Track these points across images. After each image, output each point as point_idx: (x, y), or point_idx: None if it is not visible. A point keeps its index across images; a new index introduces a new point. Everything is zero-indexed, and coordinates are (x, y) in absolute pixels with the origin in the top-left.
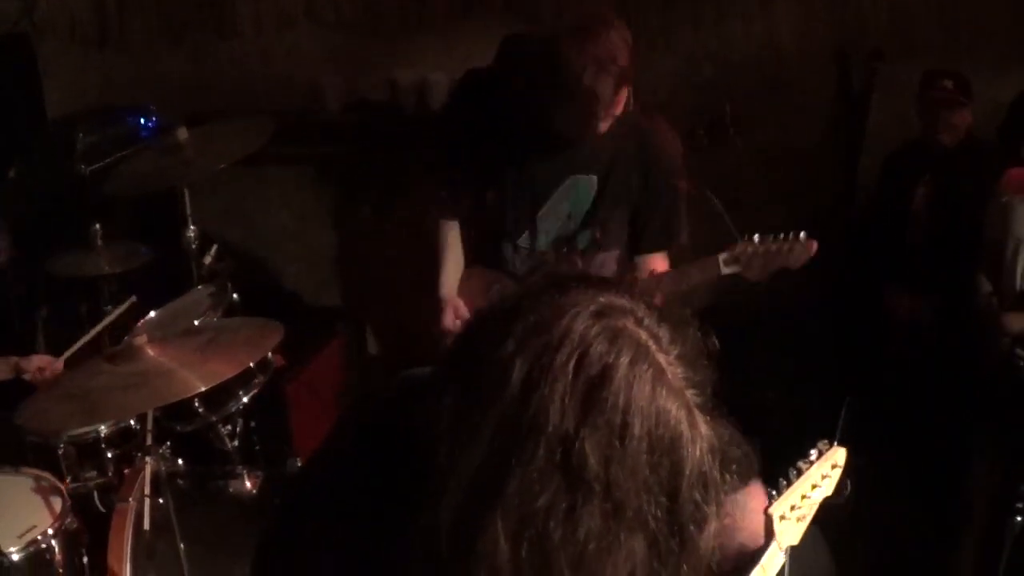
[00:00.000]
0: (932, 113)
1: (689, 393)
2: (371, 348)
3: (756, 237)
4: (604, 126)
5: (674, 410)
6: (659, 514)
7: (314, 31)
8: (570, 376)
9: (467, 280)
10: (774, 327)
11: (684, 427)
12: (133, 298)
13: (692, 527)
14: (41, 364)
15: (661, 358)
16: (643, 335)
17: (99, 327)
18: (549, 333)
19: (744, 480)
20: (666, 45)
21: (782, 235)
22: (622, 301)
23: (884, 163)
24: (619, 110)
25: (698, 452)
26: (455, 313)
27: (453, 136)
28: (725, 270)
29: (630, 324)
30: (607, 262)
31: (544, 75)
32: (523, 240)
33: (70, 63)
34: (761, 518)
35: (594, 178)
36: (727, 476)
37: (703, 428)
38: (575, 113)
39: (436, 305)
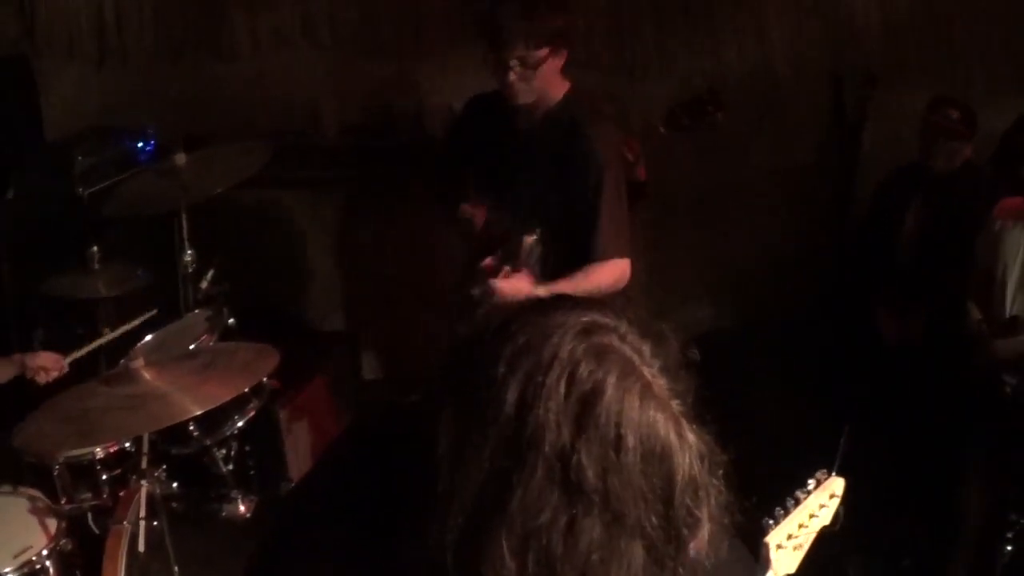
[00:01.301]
0: (932, 138)
1: (674, 403)
2: (366, 372)
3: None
4: (522, 93)
5: (662, 420)
6: (655, 521)
7: (312, 53)
8: (563, 394)
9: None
10: (766, 349)
11: (673, 436)
12: (154, 311)
13: (686, 531)
14: (45, 363)
15: (646, 371)
16: (627, 350)
17: (113, 335)
18: (538, 354)
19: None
20: (660, 68)
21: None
22: (605, 319)
23: (877, 187)
24: (542, 77)
25: (687, 459)
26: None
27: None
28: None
29: (615, 340)
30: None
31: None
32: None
33: (69, 82)
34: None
35: (539, 173)
36: (715, 481)
37: (690, 436)
38: (490, 57)
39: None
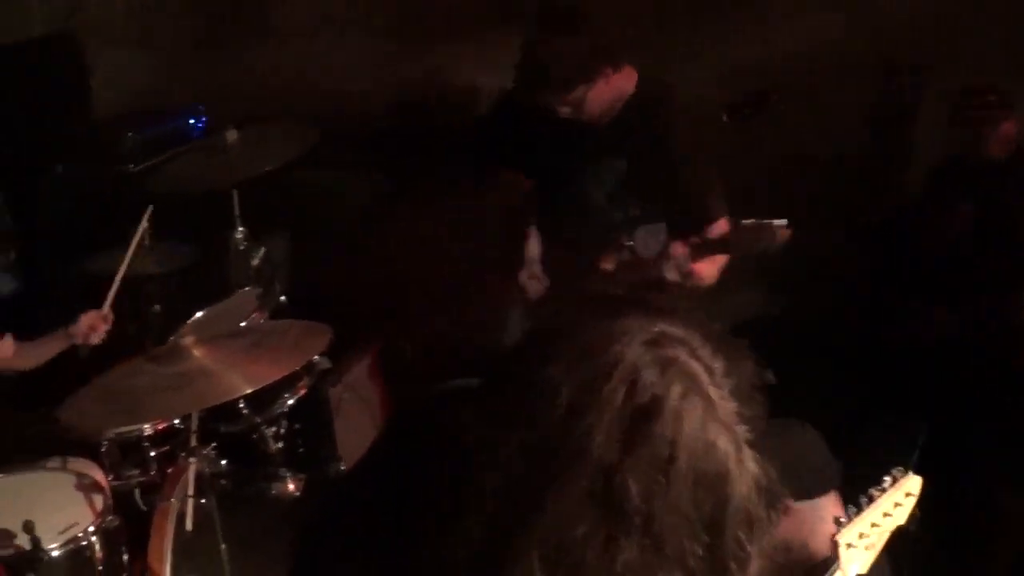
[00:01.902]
0: (974, 128)
1: (739, 429)
2: (414, 351)
3: (747, 221)
4: (595, 105)
5: (722, 445)
6: (699, 552)
7: (359, 35)
8: (618, 405)
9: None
10: (813, 338)
11: (731, 463)
12: (151, 208)
13: (734, 566)
14: (89, 322)
15: (713, 391)
16: (696, 367)
17: (126, 261)
18: (600, 358)
19: (826, 489)
20: (706, 60)
21: (764, 221)
22: (677, 331)
23: (928, 176)
24: (610, 87)
25: (744, 489)
26: (529, 272)
27: (501, 133)
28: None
29: (683, 355)
30: (653, 237)
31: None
32: (571, 226)
33: (116, 62)
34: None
35: (624, 161)
36: (773, 516)
37: (751, 465)
38: (549, 92)
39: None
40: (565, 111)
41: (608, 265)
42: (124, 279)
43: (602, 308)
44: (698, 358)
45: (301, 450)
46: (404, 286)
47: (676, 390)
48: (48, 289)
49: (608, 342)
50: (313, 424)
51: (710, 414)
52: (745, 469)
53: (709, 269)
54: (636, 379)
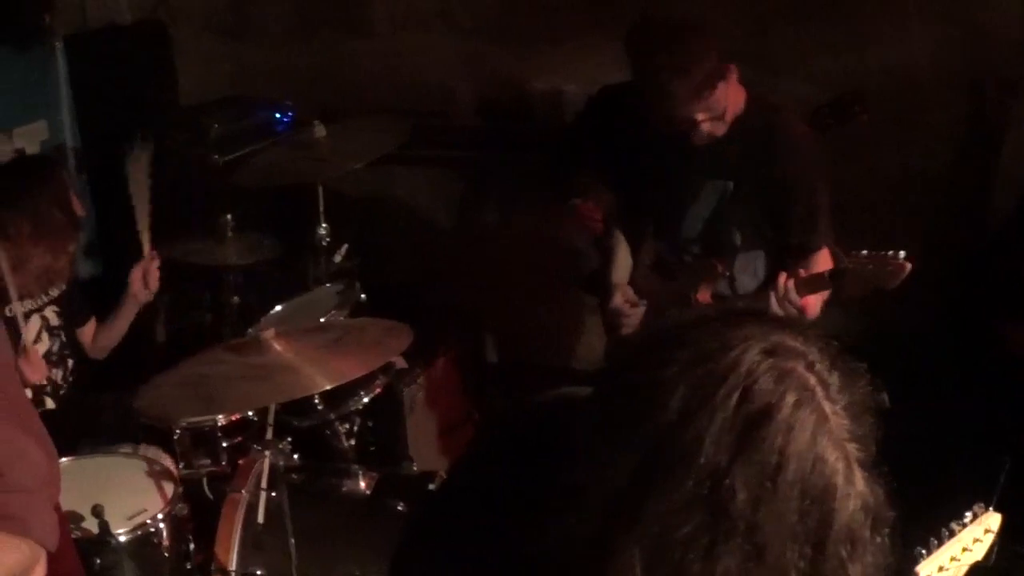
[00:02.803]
0: None
1: (850, 446)
2: (489, 355)
3: (863, 253)
4: (714, 126)
5: (832, 460)
6: (801, 564)
7: (449, 35)
8: (731, 409)
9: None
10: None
11: (840, 479)
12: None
13: None
14: (140, 273)
15: (827, 406)
16: (812, 379)
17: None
18: (716, 363)
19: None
20: (801, 70)
21: (882, 253)
22: (795, 343)
23: (1021, 197)
24: (725, 108)
25: (851, 507)
26: (624, 296)
27: (586, 145)
28: (829, 284)
29: (800, 367)
30: (751, 265)
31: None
32: (668, 247)
33: (203, 52)
34: None
35: (729, 183)
36: (877, 537)
37: (860, 484)
38: (664, 115)
39: (606, 293)
40: (682, 125)
41: (704, 296)
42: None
43: (723, 316)
44: (814, 371)
45: (372, 448)
46: (485, 289)
47: (790, 400)
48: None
49: (726, 347)
50: (386, 423)
51: (821, 428)
52: (853, 487)
53: (815, 304)
54: (751, 385)
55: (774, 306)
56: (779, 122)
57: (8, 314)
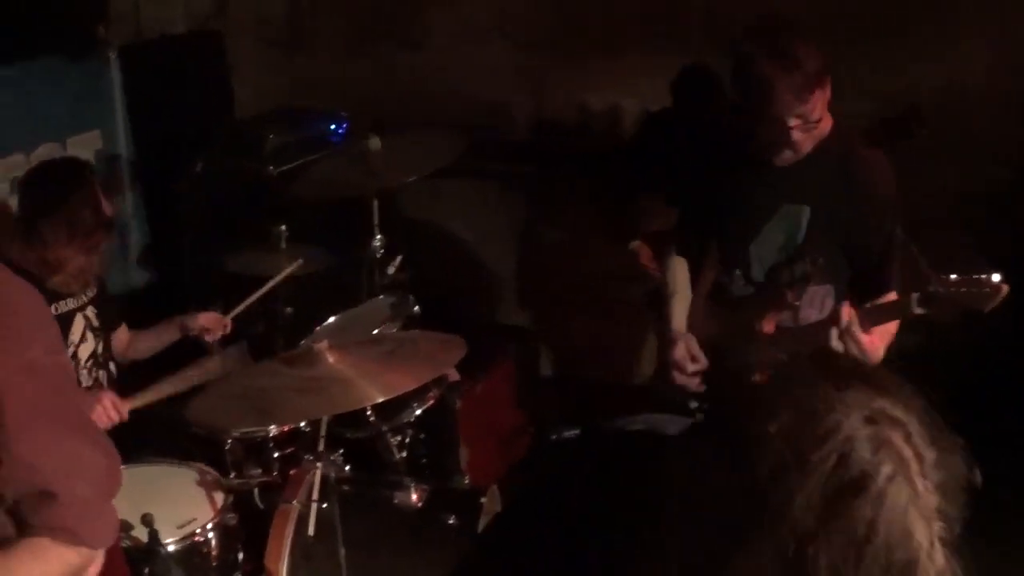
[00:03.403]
0: None
1: (937, 524)
2: (543, 369)
3: (952, 276)
4: (804, 140)
5: (917, 536)
6: None
7: (506, 49)
8: (826, 473)
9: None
10: (952, 377)
11: (923, 555)
12: (300, 261)
13: None
14: (207, 324)
15: (919, 481)
16: (908, 452)
17: (268, 285)
18: (816, 424)
19: None
20: (852, 86)
21: (975, 276)
22: (897, 411)
23: None
24: (818, 120)
25: None
26: (686, 347)
27: (643, 166)
28: (917, 310)
29: (898, 438)
30: (818, 297)
31: (734, 85)
32: (737, 271)
33: (259, 63)
34: None
35: (807, 208)
36: None
37: (940, 560)
38: (763, 119)
39: (665, 338)
40: (774, 134)
41: (769, 327)
42: (247, 275)
43: (827, 373)
44: (912, 444)
45: (424, 460)
46: (539, 302)
47: (885, 471)
48: (183, 285)
49: (828, 409)
50: (438, 435)
51: (913, 502)
52: (934, 564)
53: (880, 343)
54: (848, 452)
55: (834, 341)
56: (860, 153)
57: (54, 312)
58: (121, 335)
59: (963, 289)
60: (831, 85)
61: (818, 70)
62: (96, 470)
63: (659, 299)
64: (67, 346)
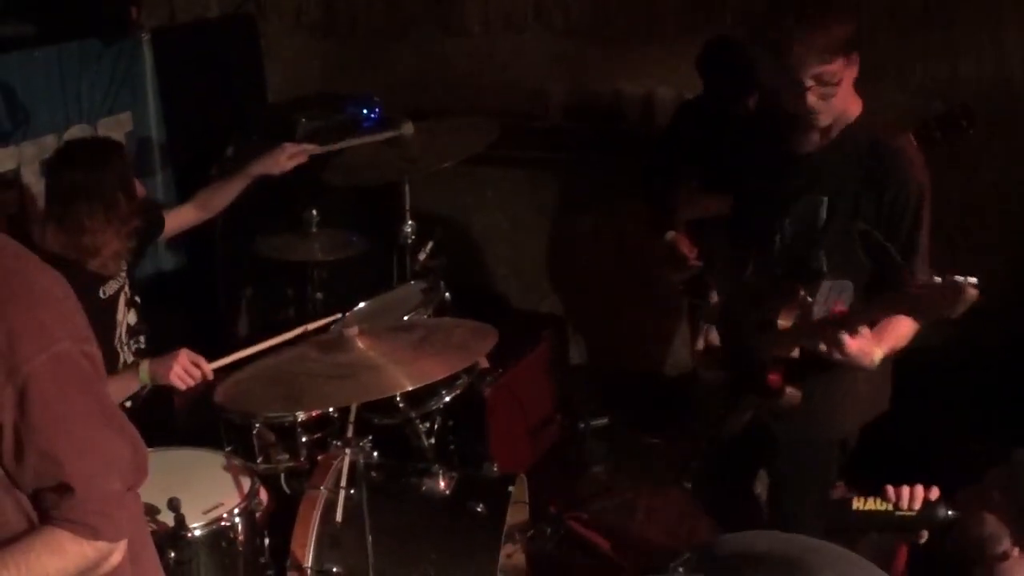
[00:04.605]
0: None
1: None
2: (573, 357)
3: (934, 279)
4: (821, 110)
5: None
6: None
7: (542, 35)
8: None
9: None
10: (981, 377)
11: None
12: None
13: None
14: (275, 163)
15: None
16: None
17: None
18: None
19: None
20: (895, 78)
21: (949, 280)
22: None
23: None
24: (837, 84)
25: None
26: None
27: (679, 153)
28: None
29: None
30: (835, 292)
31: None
32: (760, 261)
33: (293, 47)
34: None
35: (826, 199)
36: None
37: None
38: (783, 80)
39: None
40: (794, 98)
41: (785, 322)
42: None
43: None
44: None
45: (452, 447)
46: (571, 290)
47: None
48: (214, 268)
49: None
50: (468, 422)
51: None
52: None
53: (859, 346)
54: None
55: (820, 345)
56: (891, 144)
57: (103, 295)
58: (182, 215)
59: (931, 293)
60: (874, 76)
61: (844, 38)
62: (120, 463)
63: (700, 287)
64: (115, 326)
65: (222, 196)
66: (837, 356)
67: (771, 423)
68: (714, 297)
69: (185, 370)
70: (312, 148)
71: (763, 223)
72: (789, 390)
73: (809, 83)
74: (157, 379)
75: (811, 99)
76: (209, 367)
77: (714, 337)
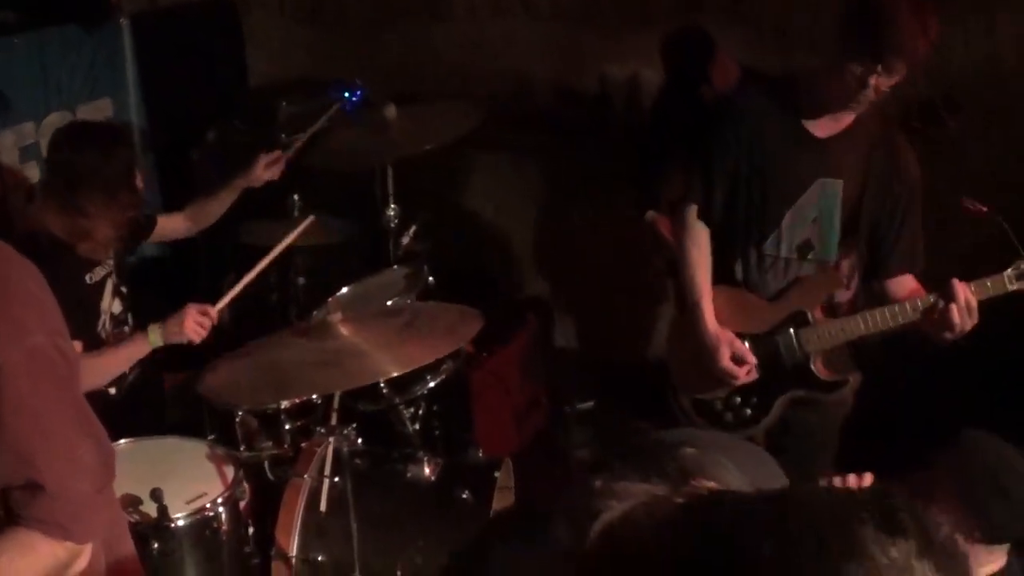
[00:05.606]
0: None
1: None
2: (558, 340)
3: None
4: (861, 105)
5: None
6: None
7: (528, 20)
8: None
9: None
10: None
11: None
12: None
13: None
14: (263, 170)
15: None
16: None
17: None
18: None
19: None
20: None
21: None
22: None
23: None
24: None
25: None
26: (731, 350)
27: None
28: (1011, 287)
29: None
30: (841, 270)
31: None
32: (769, 244)
33: (276, 34)
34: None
35: (840, 182)
36: None
37: None
38: (855, 61)
39: (704, 342)
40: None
41: (820, 314)
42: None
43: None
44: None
45: (437, 432)
46: (556, 274)
47: None
48: (196, 254)
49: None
50: (452, 407)
51: None
52: None
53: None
54: None
55: (955, 318)
56: (896, 136)
57: (89, 281)
58: (173, 222)
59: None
60: None
61: (925, 55)
62: (89, 463)
63: (679, 277)
64: (99, 313)
65: (212, 209)
66: (967, 327)
67: (800, 413)
68: (722, 354)
69: (197, 322)
70: (286, 155)
71: (775, 205)
72: (852, 376)
73: (876, 80)
74: (171, 338)
75: (867, 94)
76: (214, 310)
77: (737, 345)
